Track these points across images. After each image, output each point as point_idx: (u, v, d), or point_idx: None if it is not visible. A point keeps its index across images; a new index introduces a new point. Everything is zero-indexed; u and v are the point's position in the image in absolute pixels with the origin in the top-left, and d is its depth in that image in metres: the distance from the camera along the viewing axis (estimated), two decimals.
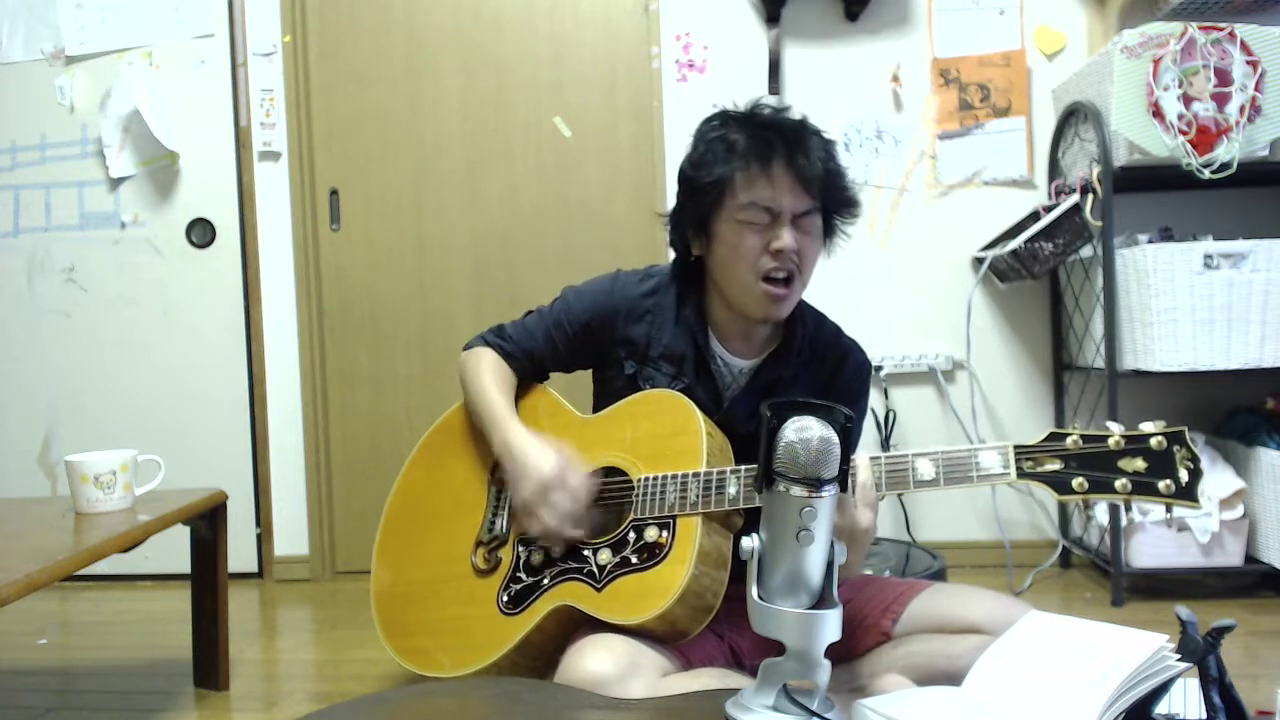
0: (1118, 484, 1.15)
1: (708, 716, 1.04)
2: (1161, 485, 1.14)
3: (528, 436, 1.46)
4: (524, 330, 1.59)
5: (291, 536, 2.91)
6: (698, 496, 1.33)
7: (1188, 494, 1.14)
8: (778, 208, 1.35)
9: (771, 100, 1.45)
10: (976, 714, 1.02)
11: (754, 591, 1.01)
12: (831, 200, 1.40)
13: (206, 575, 1.93)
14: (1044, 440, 1.20)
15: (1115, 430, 1.17)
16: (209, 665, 1.95)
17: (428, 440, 1.68)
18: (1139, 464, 1.15)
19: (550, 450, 1.43)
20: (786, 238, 1.35)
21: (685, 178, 1.43)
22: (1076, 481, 1.17)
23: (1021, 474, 1.19)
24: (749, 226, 1.36)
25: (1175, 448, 1.14)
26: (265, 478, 2.91)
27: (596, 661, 1.22)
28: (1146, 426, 1.16)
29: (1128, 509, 1.05)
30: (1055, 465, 1.18)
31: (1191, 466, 1.14)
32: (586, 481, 1.41)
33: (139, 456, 1.80)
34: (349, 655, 2.18)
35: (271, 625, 2.51)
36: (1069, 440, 1.18)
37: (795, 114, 1.42)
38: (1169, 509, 1.17)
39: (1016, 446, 1.20)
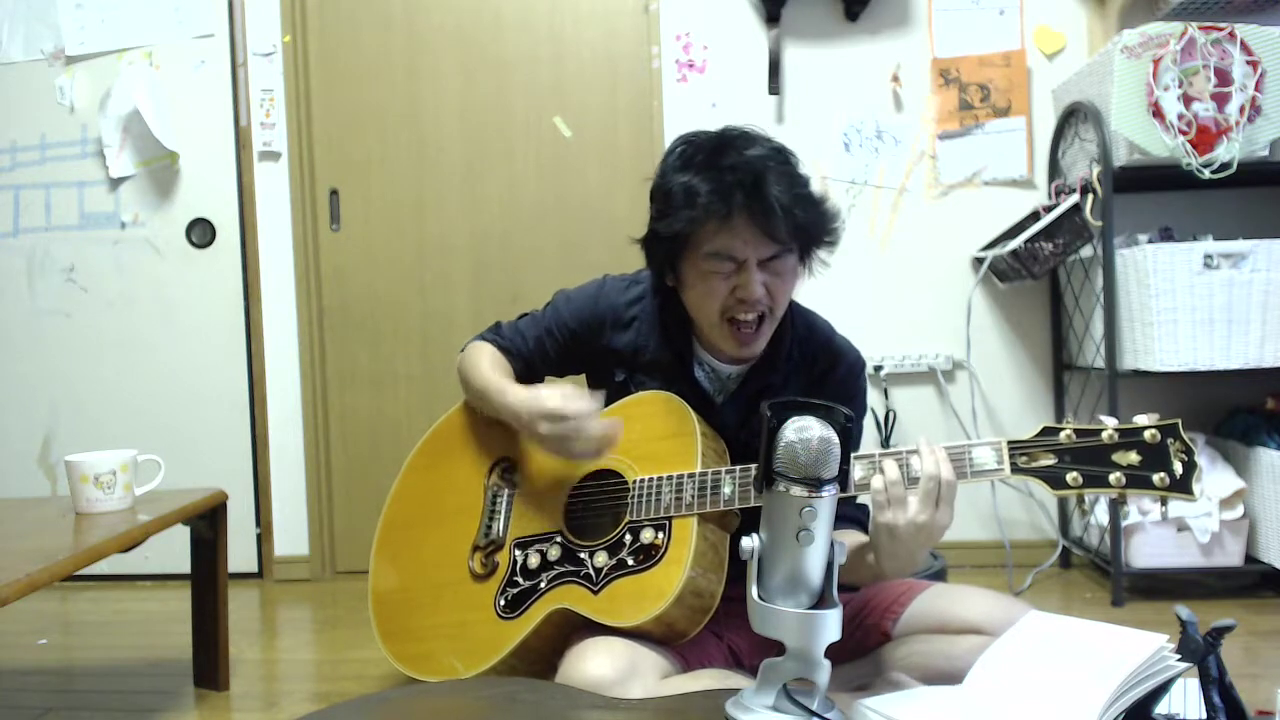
0: (1112, 478, 1.15)
1: (708, 716, 1.04)
2: (1156, 478, 1.13)
3: (525, 389, 1.46)
4: (518, 332, 1.61)
5: (291, 536, 2.90)
6: (693, 497, 1.33)
7: (1182, 486, 1.13)
8: (741, 256, 1.33)
9: (747, 122, 1.38)
10: (976, 714, 1.02)
11: (754, 591, 1.01)
12: (802, 239, 1.35)
13: (206, 575, 1.93)
14: (1038, 435, 1.19)
15: (1109, 424, 1.16)
16: (209, 665, 1.95)
17: (424, 446, 1.68)
18: (1133, 457, 1.14)
19: (542, 388, 1.43)
20: (752, 287, 1.32)
21: (650, 224, 1.40)
22: (1071, 476, 1.16)
23: (1016, 469, 1.18)
24: (714, 274, 1.35)
25: (1169, 440, 1.13)
26: (265, 478, 2.90)
27: (596, 665, 1.22)
28: (1140, 419, 1.15)
29: (1123, 502, 1.05)
30: (1049, 460, 1.17)
31: (1186, 459, 1.13)
32: (581, 394, 1.39)
33: (139, 456, 1.80)
34: (349, 655, 2.18)
35: (271, 625, 2.50)
36: (1063, 435, 1.17)
37: (770, 138, 1.36)
38: (1164, 501, 1.16)
39: (1010, 442, 1.19)
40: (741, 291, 1.33)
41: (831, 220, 1.38)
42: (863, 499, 1.36)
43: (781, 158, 1.34)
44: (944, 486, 1.16)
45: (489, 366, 1.55)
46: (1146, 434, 1.14)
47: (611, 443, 1.39)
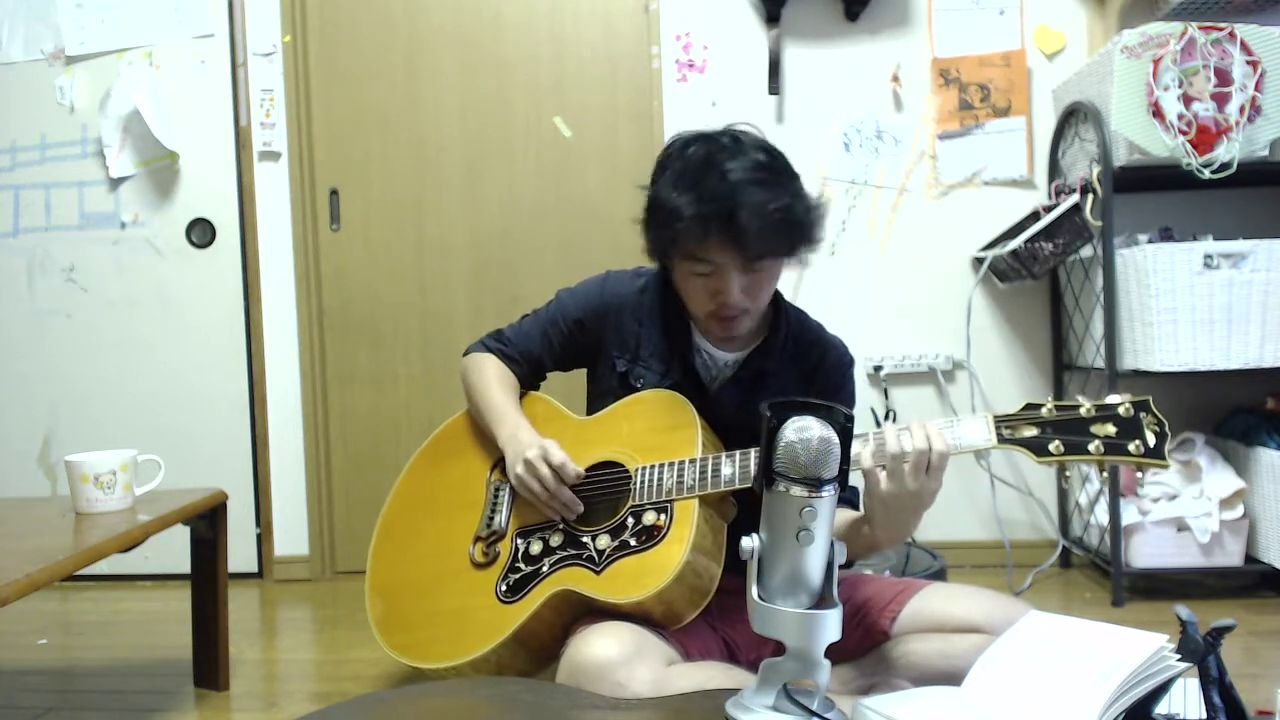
0: (1091, 446, 1.23)
1: (708, 716, 1.04)
2: (1131, 446, 1.21)
3: (530, 429, 1.51)
4: (520, 333, 1.64)
5: (291, 536, 2.90)
6: (694, 480, 1.36)
7: (1156, 453, 1.21)
8: (720, 264, 1.36)
9: (744, 125, 1.42)
10: (976, 714, 1.02)
11: (754, 591, 1.01)
12: (781, 250, 1.37)
13: (206, 575, 1.93)
14: (1021, 410, 1.27)
15: (1086, 401, 1.24)
16: (209, 665, 1.95)
17: (426, 449, 1.70)
18: (1110, 429, 1.23)
19: (545, 438, 1.47)
20: (730, 293, 1.37)
21: (644, 220, 1.43)
22: (1053, 445, 1.24)
23: (1002, 439, 1.26)
24: (695, 275, 1.39)
25: (1142, 414, 1.22)
26: (265, 478, 2.90)
27: (602, 646, 1.23)
28: (1113, 398, 1.24)
29: (1101, 470, 1.14)
30: (1033, 431, 1.25)
31: (1158, 430, 1.21)
32: (571, 464, 1.43)
33: (139, 456, 1.80)
34: (349, 655, 2.19)
35: (271, 625, 2.51)
36: (1044, 409, 1.26)
37: (759, 143, 1.38)
38: (1140, 469, 1.23)
39: (996, 416, 1.27)
40: (720, 297, 1.38)
41: (812, 228, 1.39)
42: (855, 476, 1.38)
43: (764, 170, 1.34)
44: (936, 457, 1.23)
45: (494, 383, 1.58)
46: (1120, 409, 1.23)
47: (570, 512, 1.44)
